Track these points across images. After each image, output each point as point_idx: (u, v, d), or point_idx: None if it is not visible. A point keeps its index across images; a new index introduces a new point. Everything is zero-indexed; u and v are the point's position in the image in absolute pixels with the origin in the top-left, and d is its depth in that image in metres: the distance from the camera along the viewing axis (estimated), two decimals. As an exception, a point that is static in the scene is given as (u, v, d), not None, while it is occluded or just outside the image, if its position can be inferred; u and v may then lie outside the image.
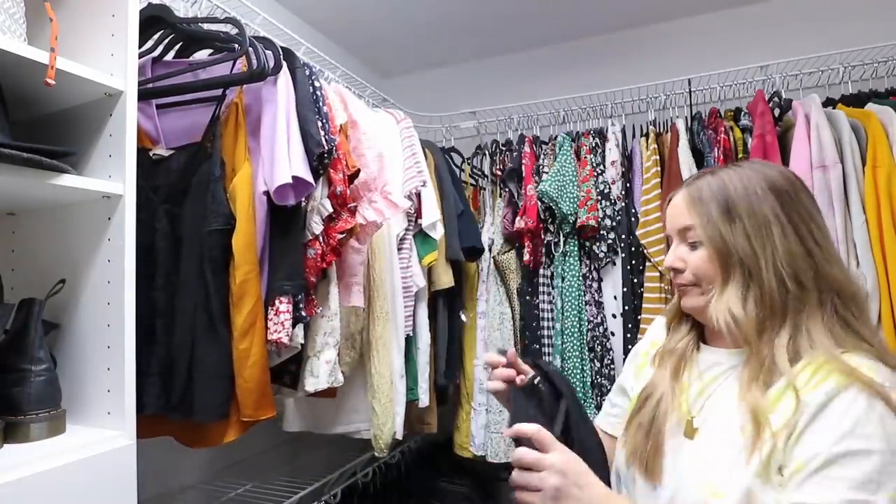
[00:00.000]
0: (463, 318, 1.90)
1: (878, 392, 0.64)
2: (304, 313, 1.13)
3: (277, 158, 1.06)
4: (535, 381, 0.83)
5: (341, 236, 1.21)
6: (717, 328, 0.77)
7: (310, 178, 1.08)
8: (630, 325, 1.76)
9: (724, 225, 0.76)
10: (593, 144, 1.91)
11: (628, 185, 1.87)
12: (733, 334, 0.76)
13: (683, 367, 0.84)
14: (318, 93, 1.20)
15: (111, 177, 0.91)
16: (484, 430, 1.91)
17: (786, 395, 0.69)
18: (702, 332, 0.87)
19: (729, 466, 0.70)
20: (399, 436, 1.54)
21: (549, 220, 1.87)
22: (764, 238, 0.73)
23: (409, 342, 1.64)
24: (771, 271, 0.72)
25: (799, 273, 0.72)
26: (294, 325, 1.11)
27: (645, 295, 1.72)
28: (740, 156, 1.64)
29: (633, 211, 1.83)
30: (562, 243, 1.86)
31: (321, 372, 1.22)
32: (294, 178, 1.06)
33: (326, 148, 1.13)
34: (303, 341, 1.17)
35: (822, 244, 0.74)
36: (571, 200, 1.83)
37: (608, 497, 0.70)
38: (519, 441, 0.70)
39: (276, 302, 1.09)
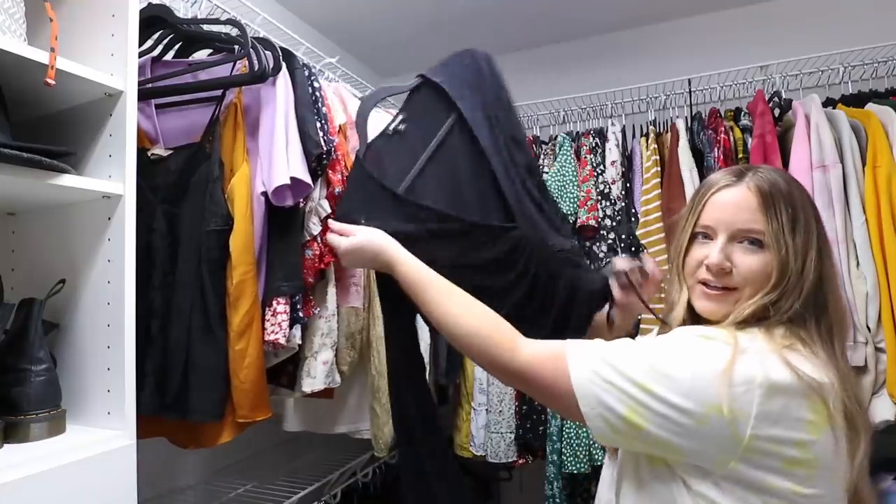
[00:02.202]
0: None
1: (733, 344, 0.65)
2: (301, 314, 1.13)
3: (275, 159, 1.06)
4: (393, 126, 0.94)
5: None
6: (722, 321, 0.74)
7: (308, 179, 1.08)
8: (630, 325, 1.76)
9: (790, 235, 0.70)
10: (593, 144, 1.91)
11: (628, 185, 1.87)
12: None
13: None
14: (318, 94, 1.20)
15: (111, 177, 0.91)
16: (484, 430, 1.91)
17: None
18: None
19: None
20: None
21: (549, 220, 1.87)
22: (810, 259, 0.70)
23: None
24: (802, 287, 0.70)
25: (815, 292, 0.70)
26: (291, 326, 1.11)
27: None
28: (740, 156, 1.64)
29: (633, 211, 1.83)
30: (562, 243, 1.86)
31: (318, 373, 1.22)
32: (292, 178, 1.06)
33: (325, 149, 1.13)
34: (300, 342, 1.17)
35: (833, 271, 0.74)
36: (571, 200, 1.83)
37: (382, 252, 0.86)
38: None
39: (274, 303, 1.09)
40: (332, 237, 0.89)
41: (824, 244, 0.73)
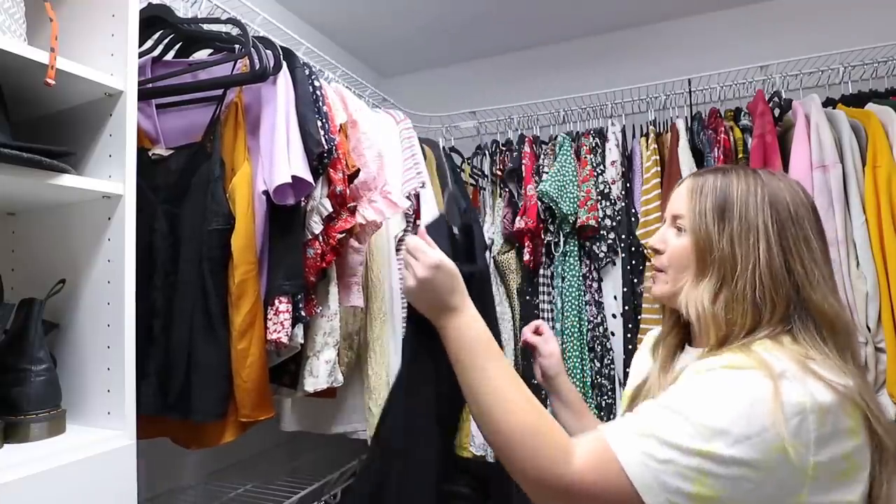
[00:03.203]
0: None
1: (768, 370, 0.63)
2: (303, 313, 1.13)
3: (277, 158, 1.06)
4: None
5: (341, 236, 1.21)
6: (686, 316, 0.79)
7: (309, 178, 1.08)
8: (630, 325, 1.76)
9: (714, 222, 0.77)
10: (593, 144, 1.91)
11: (628, 185, 1.87)
12: (701, 325, 0.77)
13: (670, 363, 0.86)
14: (318, 92, 1.20)
15: (111, 177, 0.91)
16: (484, 430, 1.91)
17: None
18: (689, 334, 0.88)
19: None
20: None
21: (549, 220, 1.87)
22: (748, 248, 0.74)
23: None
24: (746, 280, 0.73)
25: (774, 288, 0.72)
26: (293, 325, 1.11)
27: (645, 295, 1.72)
28: (740, 156, 1.64)
29: (633, 211, 1.83)
30: (562, 243, 1.86)
31: (321, 372, 1.22)
32: (293, 177, 1.06)
33: (326, 147, 1.13)
34: (302, 341, 1.17)
35: (808, 268, 0.73)
36: (571, 200, 1.83)
37: (453, 302, 0.77)
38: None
39: (276, 302, 1.09)
40: (411, 255, 0.79)
41: (793, 241, 0.74)
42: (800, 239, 0.74)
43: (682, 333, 0.88)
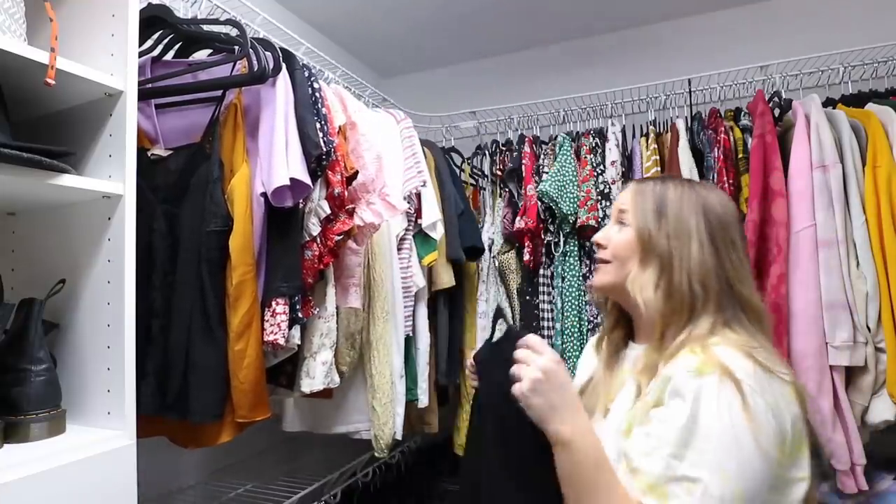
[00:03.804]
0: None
1: (729, 375, 0.71)
2: (300, 314, 1.13)
3: (275, 160, 1.06)
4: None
5: (339, 238, 1.21)
6: (631, 301, 0.86)
7: (307, 180, 1.08)
8: (630, 325, 1.76)
9: (653, 220, 0.86)
10: (593, 144, 1.91)
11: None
12: (645, 313, 0.85)
13: (615, 361, 0.94)
14: (317, 94, 1.20)
15: (111, 177, 0.91)
16: (484, 430, 1.91)
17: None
18: (632, 331, 0.95)
19: (617, 452, 0.78)
20: (399, 436, 1.54)
21: (549, 220, 1.87)
22: (682, 244, 0.83)
23: (409, 342, 1.64)
24: (682, 274, 0.82)
25: (706, 282, 0.81)
26: (290, 327, 1.11)
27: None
28: (740, 156, 1.64)
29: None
30: (562, 243, 1.86)
31: (317, 373, 1.22)
32: (291, 179, 1.06)
33: (324, 150, 1.13)
34: (299, 342, 1.17)
35: (736, 266, 0.83)
36: (571, 200, 1.83)
37: (578, 405, 0.78)
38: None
39: (273, 303, 1.09)
40: (532, 349, 0.78)
41: (721, 242, 0.84)
42: (727, 240, 0.84)
43: (625, 329, 0.95)
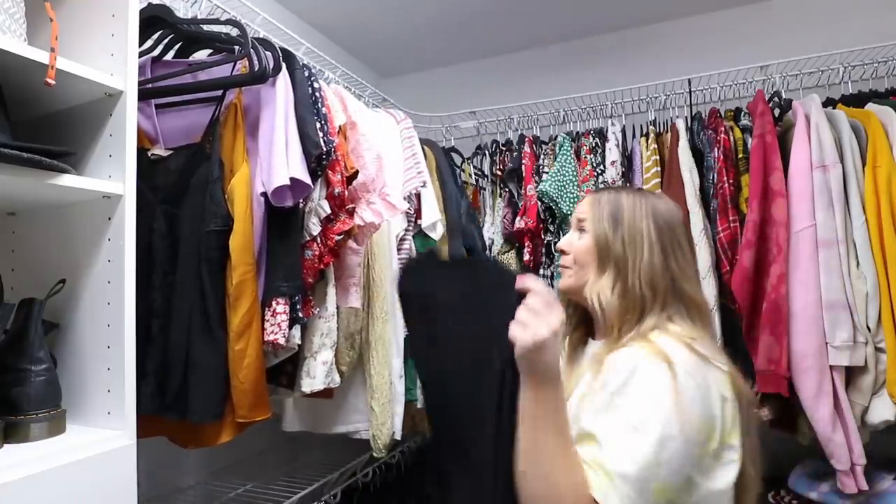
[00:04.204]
0: None
1: (665, 358, 0.78)
2: (301, 314, 1.13)
3: (275, 160, 1.06)
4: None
5: (339, 238, 1.21)
6: (590, 306, 0.93)
7: (307, 180, 1.08)
8: (630, 325, 1.76)
9: (609, 227, 0.94)
10: (593, 144, 1.91)
11: (628, 185, 1.87)
12: (604, 314, 0.91)
13: (575, 355, 1.01)
14: (317, 94, 1.20)
15: (111, 177, 0.91)
16: (484, 430, 1.91)
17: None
18: (592, 329, 1.01)
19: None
20: (398, 436, 1.54)
21: (549, 220, 1.87)
22: (635, 249, 0.91)
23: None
24: (636, 275, 0.90)
25: (655, 283, 0.89)
26: (291, 326, 1.11)
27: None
28: (740, 156, 1.64)
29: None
30: (562, 243, 1.86)
31: (317, 373, 1.22)
32: (291, 179, 1.06)
33: (325, 149, 1.13)
34: (299, 342, 1.17)
35: (682, 266, 0.92)
36: (571, 200, 1.83)
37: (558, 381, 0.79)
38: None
39: (273, 303, 1.09)
40: (544, 302, 0.76)
41: (669, 245, 0.92)
42: (675, 243, 0.93)
43: (585, 328, 1.02)
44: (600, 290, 0.91)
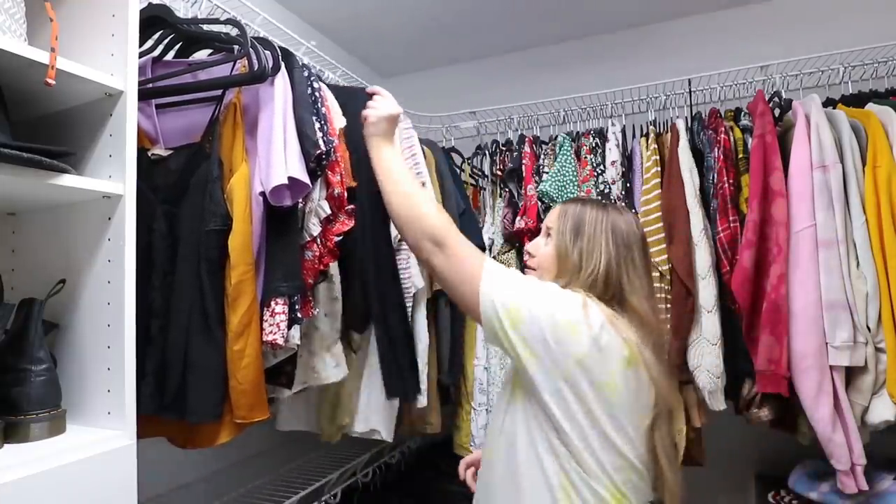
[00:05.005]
0: None
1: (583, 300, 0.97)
2: (300, 314, 1.13)
3: (273, 159, 1.06)
4: None
5: (339, 238, 1.20)
6: None
7: (306, 179, 1.07)
8: (630, 325, 1.76)
9: (570, 239, 1.05)
10: (593, 144, 1.91)
11: (628, 185, 1.86)
12: None
13: None
14: (317, 94, 1.20)
15: (111, 177, 0.91)
16: (484, 430, 1.91)
17: None
18: None
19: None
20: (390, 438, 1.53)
21: (549, 220, 1.87)
22: (591, 260, 1.03)
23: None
24: (586, 280, 1.02)
25: (606, 283, 1.01)
26: (290, 327, 1.10)
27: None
28: (740, 156, 1.64)
29: (634, 211, 1.83)
30: (562, 243, 1.86)
31: (317, 371, 1.21)
32: (290, 178, 1.06)
33: (324, 149, 1.13)
34: (298, 342, 1.16)
35: (632, 279, 1.02)
36: (571, 200, 1.83)
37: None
38: None
39: (272, 303, 1.08)
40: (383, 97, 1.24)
41: (623, 259, 1.03)
42: (628, 258, 1.03)
43: None
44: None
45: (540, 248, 1.12)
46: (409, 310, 1.61)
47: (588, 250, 1.03)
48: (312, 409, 1.55)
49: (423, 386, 1.63)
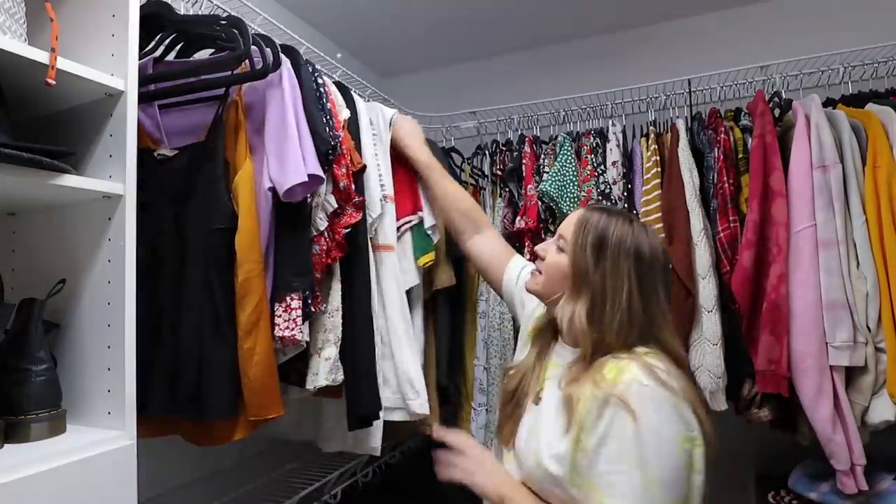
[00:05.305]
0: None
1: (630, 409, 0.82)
2: (312, 309, 1.13)
3: (289, 157, 1.06)
4: None
5: (346, 231, 1.20)
6: (559, 323, 0.97)
7: (322, 174, 1.08)
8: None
9: (591, 258, 0.94)
10: (594, 144, 1.90)
11: (629, 185, 1.86)
12: (571, 334, 0.97)
13: (545, 351, 1.05)
14: (322, 89, 1.20)
15: (111, 177, 0.91)
16: (484, 430, 1.91)
17: (592, 391, 0.87)
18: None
19: (548, 441, 0.91)
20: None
21: (550, 220, 1.87)
22: (616, 289, 0.91)
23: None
24: (613, 311, 0.91)
25: (633, 324, 0.91)
26: (304, 321, 1.11)
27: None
28: (740, 156, 1.64)
29: (634, 211, 1.83)
30: (562, 243, 1.86)
31: (320, 369, 1.21)
32: (309, 175, 1.06)
33: (332, 144, 1.13)
34: (308, 339, 1.16)
35: (660, 310, 0.93)
36: (572, 200, 1.83)
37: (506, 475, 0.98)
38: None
39: (287, 298, 1.08)
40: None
41: (649, 287, 0.93)
42: (652, 288, 0.93)
43: (556, 327, 1.04)
44: (574, 313, 0.94)
45: (550, 253, 1.02)
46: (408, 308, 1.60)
47: (612, 274, 0.92)
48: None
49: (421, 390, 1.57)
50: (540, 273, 1.04)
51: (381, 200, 1.42)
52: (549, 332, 1.07)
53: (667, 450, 0.81)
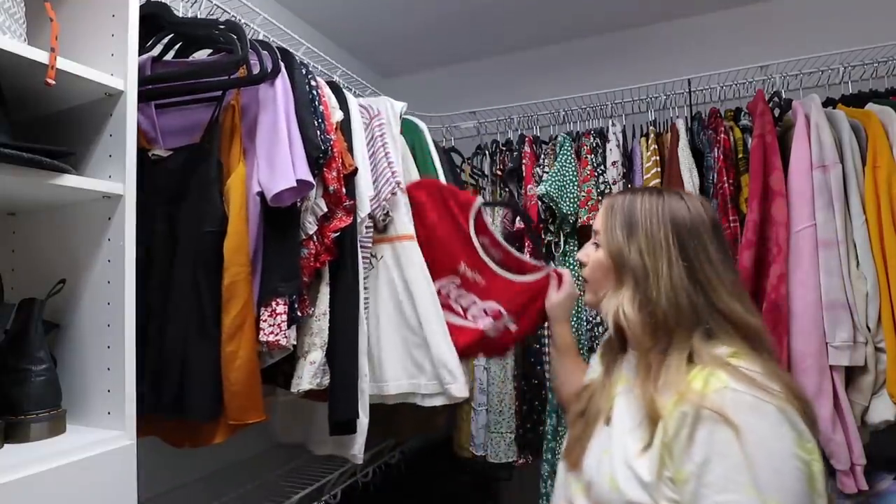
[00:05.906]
0: None
1: (727, 420, 0.70)
2: (299, 313, 1.12)
3: (279, 162, 1.05)
4: None
5: (336, 235, 1.20)
6: (610, 324, 0.88)
7: (312, 181, 1.08)
8: (630, 325, 1.76)
9: (623, 238, 0.87)
10: (594, 144, 1.91)
11: (629, 185, 1.86)
12: (628, 330, 0.86)
13: (613, 366, 0.95)
14: (315, 92, 1.19)
15: (111, 177, 0.91)
16: (484, 430, 1.91)
17: (678, 405, 0.75)
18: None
19: (625, 463, 0.79)
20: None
21: (550, 220, 1.87)
22: (655, 260, 0.83)
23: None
24: (661, 290, 0.82)
25: (679, 299, 0.80)
26: (289, 326, 1.10)
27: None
28: (740, 156, 1.64)
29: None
30: (562, 243, 1.86)
31: (304, 373, 1.20)
32: (297, 181, 1.06)
33: (323, 149, 1.12)
34: (295, 342, 1.15)
35: (711, 278, 0.82)
36: (572, 200, 1.83)
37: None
38: None
39: (273, 303, 1.08)
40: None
41: (694, 254, 0.83)
42: (700, 251, 0.83)
43: (621, 338, 0.93)
44: (619, 306, 0.85)
45: (591, 255, 0.95)
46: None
47: (649, 247, 0.84)
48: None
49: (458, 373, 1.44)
50: (586, 280, 0.97)
51: (392, 193, 1.39)
52: (615, 344, 0.96)
53: (781, 466, 0.68)
